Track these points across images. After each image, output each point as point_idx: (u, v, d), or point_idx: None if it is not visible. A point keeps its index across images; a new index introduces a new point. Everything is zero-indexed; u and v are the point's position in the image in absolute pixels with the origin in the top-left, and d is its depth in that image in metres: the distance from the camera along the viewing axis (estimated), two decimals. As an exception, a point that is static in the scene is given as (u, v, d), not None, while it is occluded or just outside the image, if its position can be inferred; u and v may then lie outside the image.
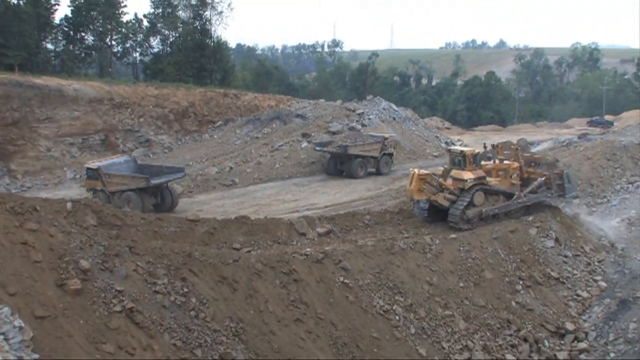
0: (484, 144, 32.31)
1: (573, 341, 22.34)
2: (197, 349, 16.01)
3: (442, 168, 28.38)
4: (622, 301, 23.21)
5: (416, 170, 27.08)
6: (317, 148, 44.29)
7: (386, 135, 45.63)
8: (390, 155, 44.27)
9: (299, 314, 18.92)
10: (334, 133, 49.25)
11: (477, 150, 28.13)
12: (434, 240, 24.50)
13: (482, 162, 28.10)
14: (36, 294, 13.93)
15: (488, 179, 27.37)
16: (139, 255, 17.61)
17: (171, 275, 17.50)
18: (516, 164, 28.96)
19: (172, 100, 54.19)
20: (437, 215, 27.33)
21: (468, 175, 26.49)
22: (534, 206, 28.59)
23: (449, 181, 26.94)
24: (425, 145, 53.20)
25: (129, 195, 32.26)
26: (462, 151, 27.68)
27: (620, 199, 33.22)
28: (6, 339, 11.38)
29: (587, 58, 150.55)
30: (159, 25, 78.07)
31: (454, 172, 26.98)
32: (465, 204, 26.22)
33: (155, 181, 32.46)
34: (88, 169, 34.82)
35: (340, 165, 42.54)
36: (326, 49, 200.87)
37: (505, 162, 29.08)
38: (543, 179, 28.68)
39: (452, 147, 29.68)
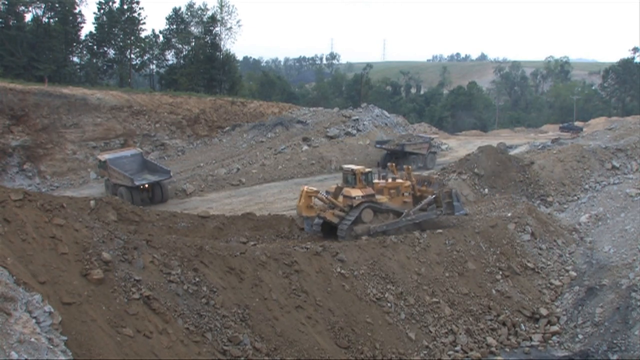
0: (378, 162, 30.45)
1: (546, 325, 22.42)
2: (208, 332, 16.03)
3: (334, 185, 26.57)
4: (590, 289, 23.23)
5: (305, 187, 25.37)
6: (377, 145, 46.50)
7: (432, 137, 49.09)
8: (435, 153, 47.20)
9: (299, 302, 18.93)
10: (331, 137, 49.43)
11: (367, 169, 26.34)
12: (422, 235, 24.51)
13: (375, 181, 26.54)
14: (63, 283, 13.95)
15: (378, 196, 25.73)
16: (155, 248, 17.61)
17: (184, 266, 17.50)
18: (408, 183, 27.18)
19: (185, 108, 54.13)
20: (330, 231, 25.45)
21: (357, 192, 24.92)
22: (426, 222, 26.63)
23: (340, 198, 25.32)
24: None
25: (120, 190, 33.24)
26: (352, 169, 25.95)
27: (588, 197, 33.24)
28: (38, 323, 11.42)
29: (559, 70, 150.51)
30: (173, 40, 77.98)
31: (345, 190, 25.35)
32: (352, 220, 24.48)
33: (138, 182, 33.29)
34: (99, 160, 35.84)
35: (395, 160, 44.37)
36: (324, 61, 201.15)
37: (398, 180, 27.40)
38: (433, 197, 26.67)
39: (345, 166, 27.49)
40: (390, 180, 27.38)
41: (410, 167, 28.36)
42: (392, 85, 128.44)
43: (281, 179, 41.58)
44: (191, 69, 73.34)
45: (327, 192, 25.84)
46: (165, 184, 35.71)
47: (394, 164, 28.85)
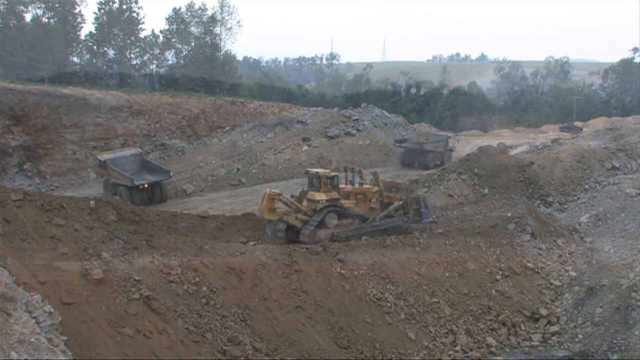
0: (345, 167, 29.53)
1: (546, 325, 22.40)
2: (208, 332, 16.03)
3: (300, 189, 26.17)
4: (589, 289, 23.22)
5: (267, 190, 24.69)
6: (396, 144, 47.79)
7: (449, 135, 51.81)
8: (451, 150, 48.58)
9: (299, 302, 18.93)
10: (331, 137, 49.49)
11: (332, 173, 25.82)
12: (422, 235, 24.48)
13: (342, 185, 25.95)
14: (63, 283, 13.96)
15: (344, 201, 25.13)
16: (155, 248, 17.62)
17: (184, 266, 17.50)
18: (375, 189, 26.56)
19: (185, 108, 54.17)
20: (293, 235, 24.67)
21: (321, 196, 24.33)
22: (392, 229, 25.87)
23: (305, 202, 24.86)
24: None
25: (120, 190, 33.35)
26: (317, 173, 25.34)
27: (588, 197, 33.24)
28: (38, 323, 11.44)
29: (559, 70, 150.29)
30: (173, 40, 78.08)
31: (309, 194, 24.86)
32: (316, 224, 23.88)
33: (138, 182, 33.47)
34: (99, 160, 35.88)
35: (413, 158, 45.24)
36: (324, 62, 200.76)
37: (365, 186, 26.90)
38: (400, 203, 26.09)
39: (310, 170, 27.04)
40: (357, 185, 26.93)
41: (377, 172, 27.78)
42: (392, 85, 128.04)
43: (281, 179, 41.61)
44: (191, 69, 73.44)
45: (292, 196, 25.47)
46: (165, 184, 35.79)
47: (361, 169, 28.57)
